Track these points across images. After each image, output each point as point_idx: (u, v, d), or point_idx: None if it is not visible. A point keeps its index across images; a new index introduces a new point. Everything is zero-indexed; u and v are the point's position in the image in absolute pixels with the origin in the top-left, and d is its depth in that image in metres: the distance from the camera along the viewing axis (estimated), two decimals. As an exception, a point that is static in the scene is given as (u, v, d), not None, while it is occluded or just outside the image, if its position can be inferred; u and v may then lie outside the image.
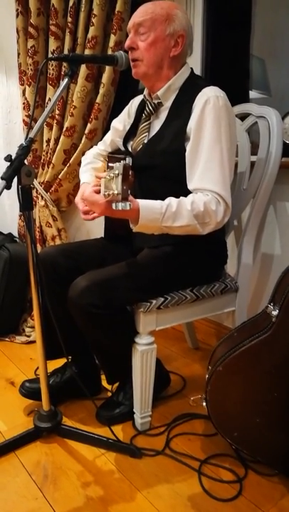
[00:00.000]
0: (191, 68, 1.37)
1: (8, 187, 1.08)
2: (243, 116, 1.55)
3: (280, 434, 1.15)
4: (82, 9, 1.84)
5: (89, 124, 1.95)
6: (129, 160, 0.99)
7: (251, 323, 1.23)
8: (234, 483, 1.21)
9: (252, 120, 1.51)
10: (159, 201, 1.17)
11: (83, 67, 1.89)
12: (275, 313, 1.10)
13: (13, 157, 1.10)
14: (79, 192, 1.42)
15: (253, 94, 2.00)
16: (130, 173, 0.99)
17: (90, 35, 1.84)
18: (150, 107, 1.37)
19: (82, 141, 1.98)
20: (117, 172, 0.97)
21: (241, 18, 1.97)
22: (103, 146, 1.62)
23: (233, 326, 1.51)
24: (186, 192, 1.24)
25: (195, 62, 1.94)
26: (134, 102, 1.53)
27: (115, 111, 1.97)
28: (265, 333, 1.11)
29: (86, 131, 1.96)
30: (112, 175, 0.99)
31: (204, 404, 1.24)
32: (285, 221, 1.65)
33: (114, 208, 1.01)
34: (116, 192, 0.97)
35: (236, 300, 1.50)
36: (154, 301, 1.30)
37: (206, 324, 2.05)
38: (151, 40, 1.26)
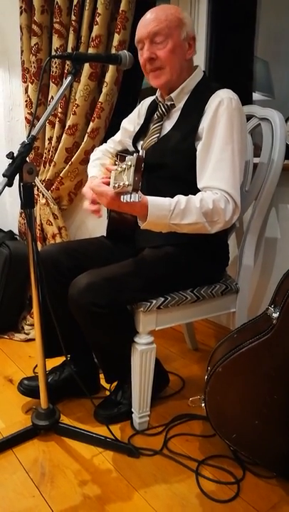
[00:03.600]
0: (204, 71, 1.38)
1: (9, 184, 1.07)
2: (246, 118, 1.54)
3: (278, 436, 1.15)
4: (87, 8, 1.83)
5: (91, 123, 1.95)
6: (142, 152, 0.98)
7: (251, 325, 1.23)
8: (232, 484, 1.21)
9: (255, 122, 1.51)
10: (167, 198, 1.16)
11: (86, 66, 1.88)
12: (275, 315, 1.10)
13: (15, 154, 1.09)
14: (86, 184, 1.41)
15: (256, 96, 2.00)
16: (142, 166, 0.98)
17: (93, 34, 1.84)
18: (163, 109, 1.38)
19: (85, 140, 1.98)
20: (129, 163, 0.96)
21: (245, 20, 1.97)
22: (112, 144, 1.63)
23: (233, 327, 1.51)
24: (193, 194, 1.23)
25: (199, 63, 1.92)
26: (145, 103, 1.53)
27: (118, 110, 1.97)
28: (266, 335, 1.11)
29: (88, 130, 1.96)
30: (123, 166, 0.98)
31: (203, 405, 1.24)
32: (286, 223, 1.65)
33: (122, 200, 1.00)
34: (127, 183, 0.96)
35: (237, 301, 1.50)
36: (154, 301, 1.30)
37: (205, 325, 2.05)
38: (171, 47, 1.26)
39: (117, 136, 1.62)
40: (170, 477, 1.24)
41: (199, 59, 1.93)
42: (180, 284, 1.36)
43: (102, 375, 1.51)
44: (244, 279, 1.50)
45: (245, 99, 1.90)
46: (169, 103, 1.36)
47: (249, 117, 1.53)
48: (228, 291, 1.45)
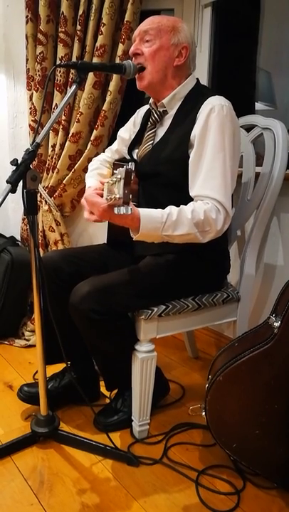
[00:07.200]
0: (197, 79, 1.39)
1: (13, 191, 1.08)
2: (248, 128, 1.56)
3: (279, 446, 1.14)
4: (92, 18, 1.86)
5: (95, 131, 1.97)
6: (131, 165, 1.00)
7: (252, 334, 1.22)
8: (232, 495, 1.20)
9: (257, 132, 1.52)
10: (159, 210, 1.17)
11: (91, 75, 1.90)
12: (276, 324, 1.10)
13: (19, 161, 1.10)
14: (84, 195, 1.42)
15: (258, 106, 2.02)
16: (132, 178, 0.99)
17: (98, 44, 1.86)
18: (155, 115, 1.39)
19: (88, 148, 1.99)
20: (119, 176, 0.98)
21: (248, 31, 2.00)
22: (110, 153, 1.64)
23: (233, 336, 1.51)
24: (189, 200, 1.24)
25: (202, 73, 1.96)
26: (140, 112, 1.55)
27: (121, 119, 1.99)
28: (267, 345, 1.10)
29: (92, 138, 1.98)
30: (114, 179, 1.00)
31: (203, 413, 1.23)
32: (288, 233, 1.66)
33: (116, 212, 1.01)
34: (118, 196, 0.98)
35: (238, 310, 1.50)
36: (155, 309, 1.30)
37: (206, 333, 2.04)
38: (156, 48, 1.29)
39: (114, 146, 1.63)
40: (170, 487, 1.23)
41: (202, 69, 1.95)
42: (181, 291, 1.37)
43: (102, 383, 1.50)
44: (245, 288, 1.50)
45: (248, 109, 1.93)
46: (161, 110, 1.37)
47: (251, 127, 1.55)
48: (230, 299, 1.45)
